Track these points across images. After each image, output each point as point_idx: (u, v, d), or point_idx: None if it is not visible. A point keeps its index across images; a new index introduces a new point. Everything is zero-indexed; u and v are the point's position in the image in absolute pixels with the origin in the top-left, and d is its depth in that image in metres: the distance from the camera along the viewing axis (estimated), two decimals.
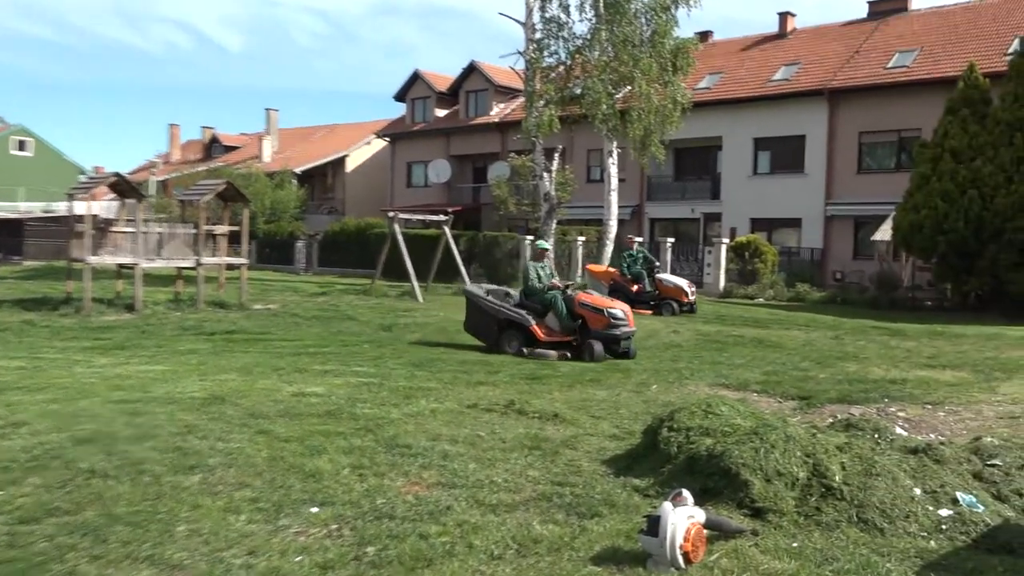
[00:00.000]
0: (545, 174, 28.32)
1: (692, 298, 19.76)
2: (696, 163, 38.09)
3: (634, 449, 6.43)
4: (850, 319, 19.22)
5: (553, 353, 11.87)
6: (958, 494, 5.13)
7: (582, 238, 31.39)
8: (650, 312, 19.18)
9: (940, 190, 22.99)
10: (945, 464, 5.45)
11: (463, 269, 25.60)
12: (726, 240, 28.76)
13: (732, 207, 35.03)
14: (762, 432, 5.44)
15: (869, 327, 17.38)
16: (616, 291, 19.64)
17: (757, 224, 34.73)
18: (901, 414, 8.30)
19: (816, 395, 9.17)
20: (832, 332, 16.24)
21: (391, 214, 25.18)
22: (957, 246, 22.78)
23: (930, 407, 8.63)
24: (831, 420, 7.22)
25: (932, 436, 7.41)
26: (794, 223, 34.10)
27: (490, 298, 12.79)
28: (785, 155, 34.40)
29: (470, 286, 14.05)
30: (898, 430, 6.99)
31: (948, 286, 24.67)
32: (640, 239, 22.19)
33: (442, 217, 25.81)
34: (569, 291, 12.36)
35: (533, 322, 12.18)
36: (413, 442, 6.58)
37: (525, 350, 12.00)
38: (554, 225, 28.82)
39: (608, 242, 28.53)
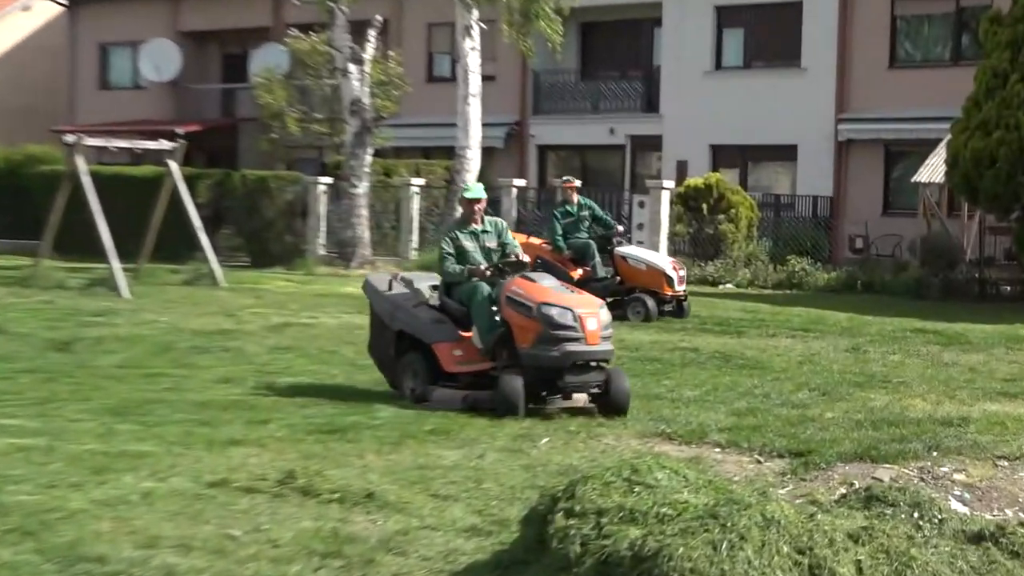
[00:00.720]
0: (352, 67, 28.24)
1: (681, 289, 19.80)
2: (618, 50, 38.64)
3: (507, 551, 6.45)
4: (878, 316, 19.93)
5: (459, 396, 11.52)
6: None
7: (419, 181, 31.43)
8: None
9: None
10: None
11: (204, 238, 25.23)
12: (669, 184, 29.33)
13: (679, 127, 35.70)
14: (725, 515, 5.53)
15: (909, 330, 18.08)
16: None
17: (722, 156, 35.54)
18: (958, 476, 8.66)
19: (819, 449, 9.44)
20: (849, 340, 16.79)
21: (71, 139, 24.52)
22: None
23: (1006, 464, 9.05)
24: (843, 491, 7.45)
25: (1008, 513, 7.78)
26: (785, 154, 35.04)
27: (393, 292, 12.50)
28: (769, 37, 35.29)
29: (371, 275, 13.90)
30: (952, 504, 7.32)
31: None
32: (577, 182, 21.70)
33: (166, 144, 25.34)
34: (507, 276, 11.87)
35: (436, 337, 11.81)
36: (110, 552, 6.43)
37: (428, 391, 11.64)
38: (369, 158, 28.79)
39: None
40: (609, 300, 18.72)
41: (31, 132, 43.77)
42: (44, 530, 6.81)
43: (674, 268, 19.84)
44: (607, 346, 11.55)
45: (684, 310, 19.77)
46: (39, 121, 45.99)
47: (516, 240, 17.79)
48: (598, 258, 19.80)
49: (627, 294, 19.59)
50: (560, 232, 19.94)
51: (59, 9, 48.18)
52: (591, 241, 19.96)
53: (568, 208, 20.28)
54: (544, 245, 20.27)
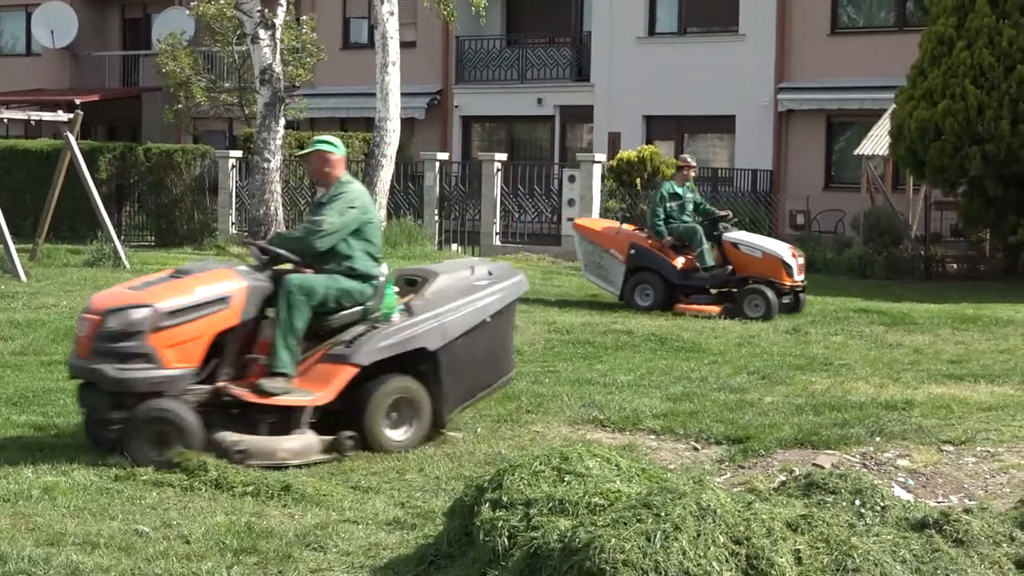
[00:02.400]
0: (263, 32, 28.03)
1: (801, 279, 18.40)
2: (545, 16, 38.68)
3: (432, 544, 6.51)
4: (820, 296, 20.08)
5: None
6: None
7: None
8: (718, 310, 17.84)
9: (971, 65, 24.30)
10: (972, 546, 5.83)
11: (105, 218, 25.01)
12: (601, 157, 29.43)
13: (611, 97, 35.82)
14: (659, 504, 5.59)
15: (852, 310, 18.26)
16: (644, 267, 18.44)
17: (656, 127, 35.70)
18: (902, 462, 8.82)
19: (759, 434, 9.60)
20: (789, 321, 16.97)
21: None
22: (1001, 164, 24.17)
23: (951, 449, 9.23)
24: (782, 478, 7.57)
25: (953, 499, 7.94)
26: (723, 125, 35.24)
27: None
28: (705, 2, 35.43)
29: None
30: (896, 490, 7.45)
31: (985, 235, 26.22)
32: (693, 162, 20.00)
33: (63, 115, 25.10)
34: None
35: None
36: (9, 550, 6.44)
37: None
38: (282, 130, 28.63)
39: (385, 160, 28.61)
40: (722, 291, 18.17)
41: None
42: None
43: (793, 255, 18.42)
44: None
45: (800, 302, 18.48)
46: None
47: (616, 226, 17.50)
48: (706, 244, 18.42)
49: (739, 285, 18.29)
50: (662, 217, 18.47)
51: None
52: (697, 226, 18.59)
53: (677, 190, 18.76)
54: (636, 231, 19.32)
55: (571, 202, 28.61)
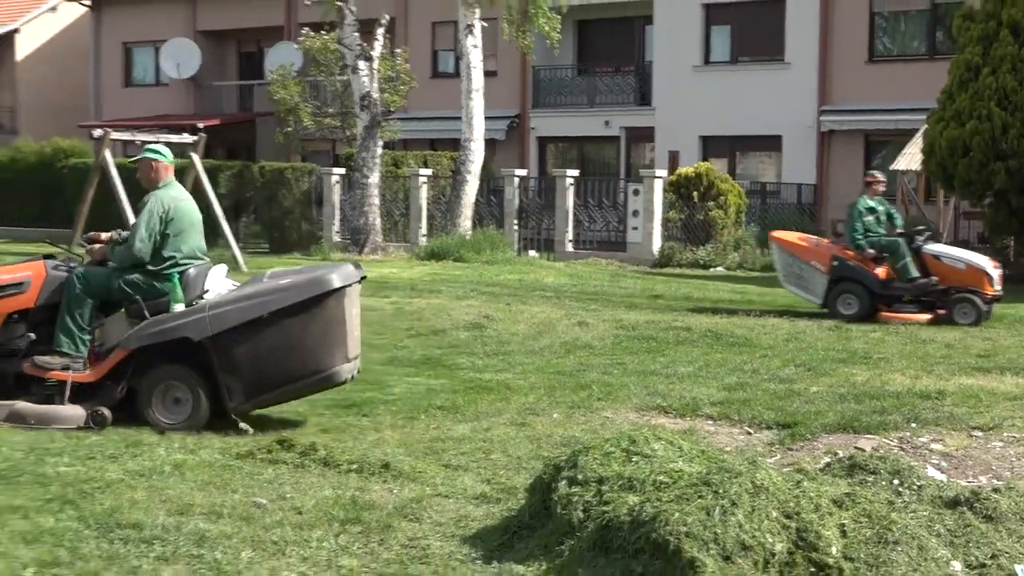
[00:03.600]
0: (362, 64, 28.23)
1: (998, 288, 17.45)
2: (612, 47, 38.68)
3: (515, 517, 6.54)
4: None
5: None
6: (1018, 569, 5.47)
7: (426, 171, 31.46)
8: (928, 318, 17.00)
9: (996, 89, 24.10)
10: (1000, 523, 5.80)
11: (226, 227, 25.26)
12: (662, 173, 29.38)
13: (671, 119, 35.75)
14: (717, 482, 5.61)
15: None
16: (846, 278, 17.64)
17: (711, 146, 35.60)
18: (936, 446, 8.74)
19: (805, 420, 9.54)
20: (832, 319, 16.86)
21: (98, 133, 24.57)
22: (1023, 178, 23.98)
23: (980, 435, 9.12)
24: (827, 460, 7.52)
25: (983, 480, 7.85)
26: (771, 144, 35.12)
27: None
28: (755, 33, 35.32)
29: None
30: (930, 472, 7.40)
31: (1009, 242, 25.96)
32: (882, 177, 18.93)
33: (188, 137, 25.38)
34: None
35: None
36: (145, 519, 6.50)
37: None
38: (379, 150, 28.82)
39: (470, 177, 28.71)
40: (929, 300, 17.08)
41: (60, 128, 43.80)
42: (83, 499, 6.89)
43: (994, 266, 17.57)
44: None
45: (991, 311, 17.44)
46: (68, 117, 46.02)
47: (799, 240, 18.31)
48: (909, 256, 17.46)
49: (942, 295, 17.34)
50: (861, 231, 17.72)
51: (83, 10, 48.13)
52: (899, 239, 17.65)
53: (868, 203, 17.93)
54: (828, 243, 18.88)
55: (635, 213, 28.59)
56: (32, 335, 9.30)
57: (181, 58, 43.91)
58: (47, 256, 9.78)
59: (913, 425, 9.38)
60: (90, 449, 8.14)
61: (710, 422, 9.81)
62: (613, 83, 38.05)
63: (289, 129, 37.07)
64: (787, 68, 34.42)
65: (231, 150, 42.22)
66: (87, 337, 9.25)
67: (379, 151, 28.74)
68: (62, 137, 38.90)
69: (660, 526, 5.35)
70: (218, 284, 9.53)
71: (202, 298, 9.26)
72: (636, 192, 28.78)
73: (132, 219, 22.69)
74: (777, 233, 20.08)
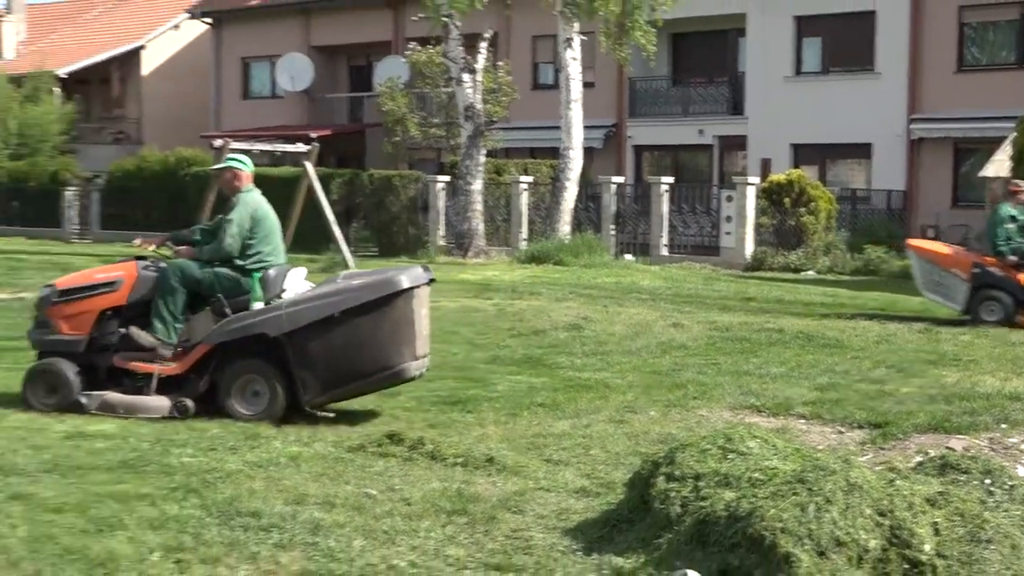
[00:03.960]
0: (466, 76, 28.36)
1: None
2: (706, 58, 38.47)
3: (614, 510, 6.52)
4: None
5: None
6: None
7: (527, 178, 31.53)
8: None
9: None
10: None
11: (337, 232, 25.52)
12: (754, 180, 29.17)
13: (763, 127, 35.49)
14: (812, 479, 5.56)
15: None
16: (989, 284, 16.93)
17: (802, 154, 35.26)
18: None
19: (896, 421, 9.41)
20: (921, 322, 16.62)
21: (218, 143, 24.92)
22: None
23: None
24: (919, 459, 7.42)
25: None
26: (861, 152, 34.70)
27: None
28: (845, 44, 34.94)
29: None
30: (1021, 471, 7.25)
31: None
32: None
33: (302, 147, 25.66)
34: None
35: None
36: (263, 507, 6.60)
37: None
38: (482, 158, 28.94)
39: (569, 184, 28.72)
40: None
41: (183, 138, 44.62)
42: (205, 488, 7.01)
43: None
44: None
45: None
46: (190, 128, 46.84)
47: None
48: None
49: None
50: (1003, 238, 17.04)
51: (205, 27, 48.91)
52: None
53: (1013, 212, 17.15)
54: (959, 248, 18.41)
55: (728, 218, 28.43)
56: (123, 331, 9.52)
57: (296, 72, 44.43)
58: (138, 257, 9.99)
59: (1003, 426, 9.22)
60: (212, 441, 8.29)
61: (802, 421, 9.72)
62: (707, 93, 37.85)
63: (397, 139, 37.35)
64: (877, 78, 34.03)
65: (342, 159, 42.60)
66: (179, 326, 9.47)
67: (482, 159, 28.85)
68: (184, 147, 39.60)
69: (756, 521, 5.32)
70: (296, 285, 9.73)
71: (280, 297, 9.45)
72: (729, 198, 28.63)
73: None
74: (915, 241, 19.51)
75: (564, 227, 28.53)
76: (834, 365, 12.56)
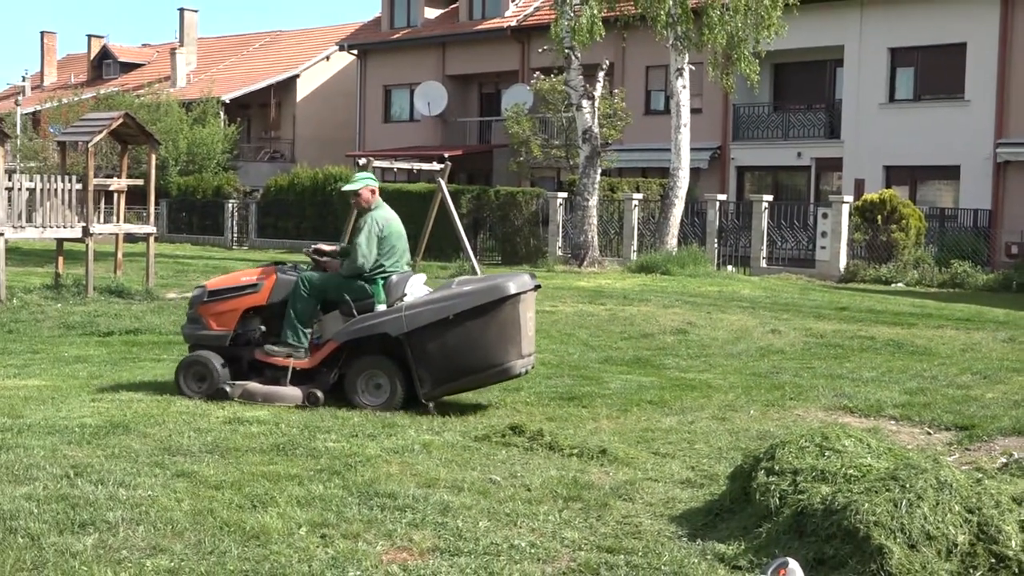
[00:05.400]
0: (585, 102, 28.34)
1: None
2: (805, 86, 37.99)
3: (717, 501, 6.47)
4: None
5: None
6: None
7: (638, 195, 31.40)
8: None
9: None
10: None
11: (466, 242, 25.68)
12: (849, 198, 28.71)
13: (857, 150, 34.98)
14: (904, 477, 5.46)
15: None
16: None
17: (894, 175, 34.65)
18: None
19: (982, 423, 9.17)
20: (1005, 332, 16.19)
21: (363, 162, 25.23)
22: None
23: None
24: (1004, 460, 7.23)
25: None
26: (949, 173, 33.99)
27: None
28: (936, 74, 34.26)
29: None
30: None
31: None
32: None
33: (436, 165, 25.87)
34: None
35: None
36: (399, 489, 6.65)
37: None
38: (598, 177, 28.89)
39: (677, 200, 28.56)
40: None
41: (330, 157, 45.35)
42: (347, 471, 7.08)
43: None
44: None
45: None
46: (336, 148, 47.60)
47: None
48: None
49: None
50: None
51: (351, 58, 49.62)
52: None
53: None
54: None
55: (824, 234, 28.01)
56: (263, 327, 9.85)
57: (432, 98, 44.81)
58: (278, 263, 10.31)
59: None
60: (353, 429, 8.40)
61: (893, 422, 9.54)
62: (805, 119, 37.36)
63: (521, 159, 37.49)
64: (967, 105, 33.28)
65: (471, 176, 42.89)
66: (308, 330, 9.71)
67: (598, 178, 28.80)
68: (332, 165, 40.22)
69: (851, 515, 5.27)
70: (417, 289, 9.79)
71: (401, 301, 9.56)
72: (825, 215, 28.24)
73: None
74: None
75: (671, 240, 28.39)
76: (922, 371, 12.29)
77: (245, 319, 9.87)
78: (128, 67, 62.27)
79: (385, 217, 9.96)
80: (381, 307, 9.58)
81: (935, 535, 5.11)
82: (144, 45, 66.86)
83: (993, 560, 5.06)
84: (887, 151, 34.26)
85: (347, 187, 10.26)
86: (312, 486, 6.68)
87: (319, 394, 9.43)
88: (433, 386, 9.40)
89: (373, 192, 10.11)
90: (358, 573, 5.30)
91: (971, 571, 5.03)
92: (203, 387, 9.67)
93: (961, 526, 5.18)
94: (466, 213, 30.30)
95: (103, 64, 63.56)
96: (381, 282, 9.70)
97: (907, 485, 5.37)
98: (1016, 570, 5.00)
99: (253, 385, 9.63)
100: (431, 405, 9.40)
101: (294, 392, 9.50)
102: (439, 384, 9.42)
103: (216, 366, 9.65)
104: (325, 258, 10.00)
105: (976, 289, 24.98)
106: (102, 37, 65.07)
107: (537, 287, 9.76)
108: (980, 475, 5.82)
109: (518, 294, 9.39)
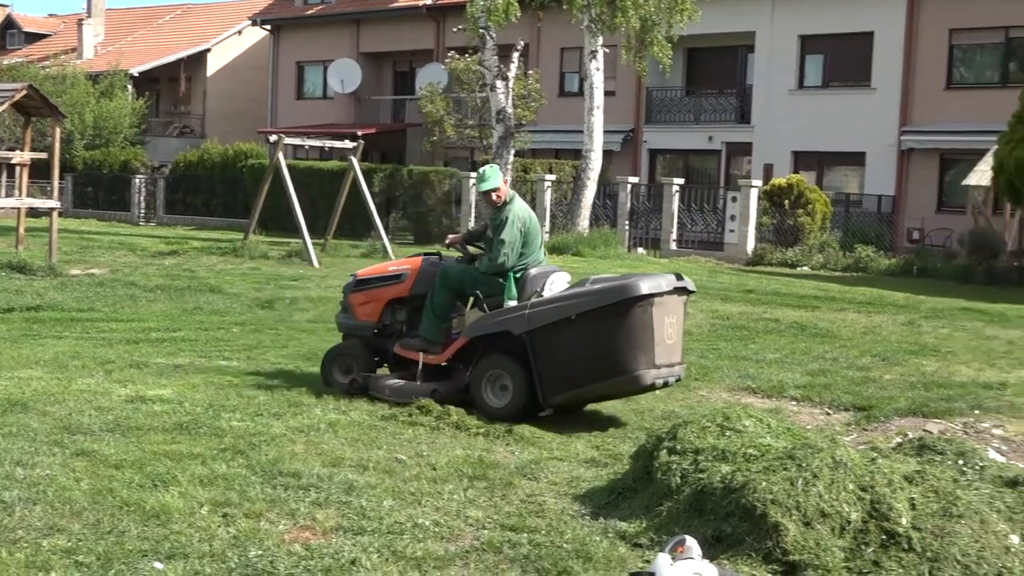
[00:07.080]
0: (499, 83, 28.31)
1: None
2: (717, 71, 38.33)
3: (620, 479, 6.53)
4: (931, 297, 19.57)
5: None
6: None
7: (551, 177, 31.47)
8: None
9: None
10: None
11: (377, 220, 25.57)
12: (758, 183, 29.07)
13: (767, 135, 35.38)
14: (801, 456, 5.56)
15: (957, 309, 17.71)
16: None
17: (802, 160, 35.13)
18: (997, 431, 8.52)
19: (879, 404, 9.37)
20: (905, 316, 16.53)
21: (273, 138, 25.00)
22: None
23: None
24: (899, 440, 7.39)
25: None
26: (855, 159, 34.54)
27: None
28: (844, 61, 34.77)
29: None
30: (991, 454, 7.20)
31: None
32: None
33: (348, 143, 25.70)
34: None
35: None
36: (303, 468, 6.63)
37: None
38: (511, 157, 28.90)
39: (589, 182, 28.70)
40: None
41: (241, 132, 44.70)
42: (251, 450, 7.05)
43: None
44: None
45: None
46: (247, 124, 46.93)
47: None
48: None
49: None
50: None
51: (264, 33, 48.97)
52: None
53: None
54: None
55: (732, 217, 28.33)
56: (405, 320, 9.38)
57: (345, 75, 44.43)
58: (425, 254, 9.72)
59: (977, 412, 9.19)
60: (259, 408, 8.34)
61: (794, 403, 9.71)
62: (717, 103, 37.69)
63: (435, 138, 37.33)
64: (873, 93, 33.83)
65: (384, 155, 42.63)
66: (444, 325, 9.14)
67: (511, 158, 28.81)
68: (242, 141, 39.70)
69: (749, 493, 5.36)
70: (558, 287, 9.02)
71: (540, 297, 8.84)
72: (734, 199, 28.55)
73: (299, 212, 23.22)
74: None
75: (583, 222, 28.53)
76: (824, 353, 12.52)
77: (391, 310, 9.38)
78: (33, 37, 60.76)
79: (525, 210, 9.24)
80: (511, 303, 8.85)
81: (829, 512, 5.21)
82: (50, 15, 65.30)
83: (884, 536, 5.17)
84: (795, 137, 34.68)
85: (484, 186, 9.20)
86: (215, 465, 6.62)
87: (442, 391, 8.80)
88: (555, 391, 8.55)
89: (505, 191, 9.25)
90: (260, 552, 5.27)
91: (863, 547, 5.14)
92: (348, 378, 9.28)
93: (855, 504, 5.28)
94: (379, 192, 30.14)
95: (7, 34, 61.95)
96: (516, 276, 8.99)
97: (804, 464, 5.47)
98: (906, 546, 5.12)
99: (385, 379, 9.11)
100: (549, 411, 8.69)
101: (424, 387, 8.87)
102: (562, 390, 8.56)
103: (361, 357, 9.29)
104: (470, 250, 9.38)
105: (879, 273, 25.46)
106: (7, 6, 63.44)
107: (684, 290, 8.73)
108: (875, 454, 5.94)
109: (650, 296, 8.35)
